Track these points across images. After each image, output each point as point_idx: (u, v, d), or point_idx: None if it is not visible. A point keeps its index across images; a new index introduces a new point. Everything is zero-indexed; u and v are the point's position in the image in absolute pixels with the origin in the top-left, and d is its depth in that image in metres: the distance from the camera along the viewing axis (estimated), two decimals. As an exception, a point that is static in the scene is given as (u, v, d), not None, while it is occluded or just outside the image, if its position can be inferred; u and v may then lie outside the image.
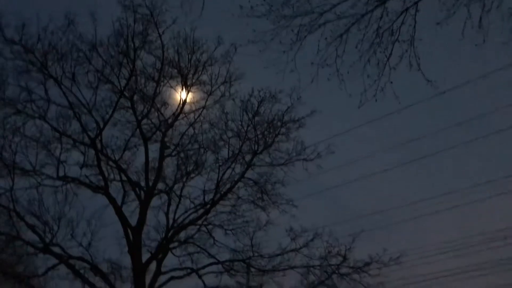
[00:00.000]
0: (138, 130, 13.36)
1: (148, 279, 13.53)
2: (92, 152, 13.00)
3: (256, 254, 14.18)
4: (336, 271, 13.40)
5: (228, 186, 13.86)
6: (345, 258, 13.34)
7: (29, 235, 13.73)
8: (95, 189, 13.28)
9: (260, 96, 13.58)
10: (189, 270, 14.18)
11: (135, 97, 13.44)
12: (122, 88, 12.85)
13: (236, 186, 14.05)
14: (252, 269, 14.75)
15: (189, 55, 13.62)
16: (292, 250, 13.81)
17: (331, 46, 5.93)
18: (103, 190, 13.11)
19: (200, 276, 14.35)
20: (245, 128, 13.69)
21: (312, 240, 13.63)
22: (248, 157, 13.91)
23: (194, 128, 14.21)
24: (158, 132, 13.84)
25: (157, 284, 13.65)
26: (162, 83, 13.55)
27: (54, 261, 13.73)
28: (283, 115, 13.70)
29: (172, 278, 13.85)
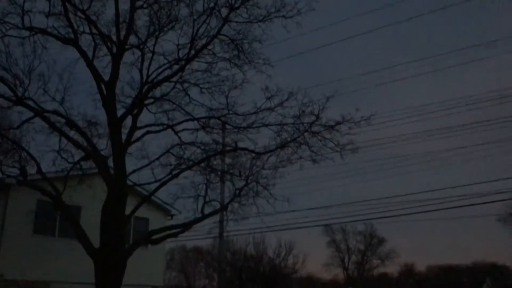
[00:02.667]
0: (106, -23, 12.42)
1: (124, 135, 13.79)
2: (58, 0, 12.21)
3: (231, 112, 14.38)
4: (308, 129, 13.75)
5: (203, 42, 13.46)
6: (317, 117, 13.59)
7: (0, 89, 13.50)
8: (65, 41, 12.75)
9: None
10: (165, 126, 14.43)
11: None
12: None
13: (212, 43, 13.66)
14: (228, 126, 15.11)
15: None
16: (266, 109, 13.98)
17: None
18: (73, 42, 12.60)
19: (176, 132, 14.66)
20: (222, -22, 12.85)
21: (286, 99, 13.72)
22: (224, 12, 13.30)
23: (166, -23, 13.28)
24: (128, -20, 12.92)
25: (133, 138, 13.95)
26: None
27: (28, 115, 13.76)
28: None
29: (148, 132, 14.13)
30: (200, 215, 14.34)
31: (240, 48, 13.74)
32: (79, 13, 12.81)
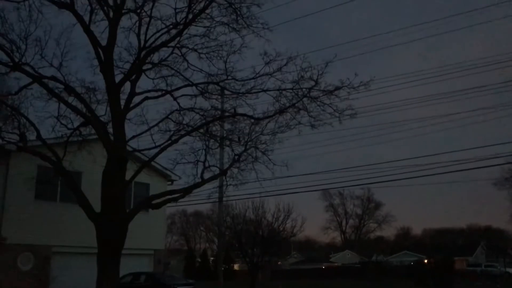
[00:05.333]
0: None
1: (123, 101, 13.76)
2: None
3: (230, 77, 14.29)
4: (307, 95, 13.72)
5: (201, 6, 13.23)
6: (316, 82, 13.52)
7: (-3, 55, 13.34)
8: (60, 5, 12.53)
9: None
10: (163, 92, 14.37)
11: None
12: None
13: (210, 6, 13.43)
14: (226, 92, 15.06)
15: None
16: (265, 74, 13.88)
17: None
18: (69, 6, 12.41)
19: (175, 98, 14.62)
20: None
21: (285, 64, 13.58)
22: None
23: None
24: None
25: (132, 104, 13.92)
26: None
27: (26, 81, 13.67)
28: None
29: (146, 98, 14.09)
30: (200, 180, 14.49)
31: (239, 12, 13.50)
32: (74, -24, 12.54)
